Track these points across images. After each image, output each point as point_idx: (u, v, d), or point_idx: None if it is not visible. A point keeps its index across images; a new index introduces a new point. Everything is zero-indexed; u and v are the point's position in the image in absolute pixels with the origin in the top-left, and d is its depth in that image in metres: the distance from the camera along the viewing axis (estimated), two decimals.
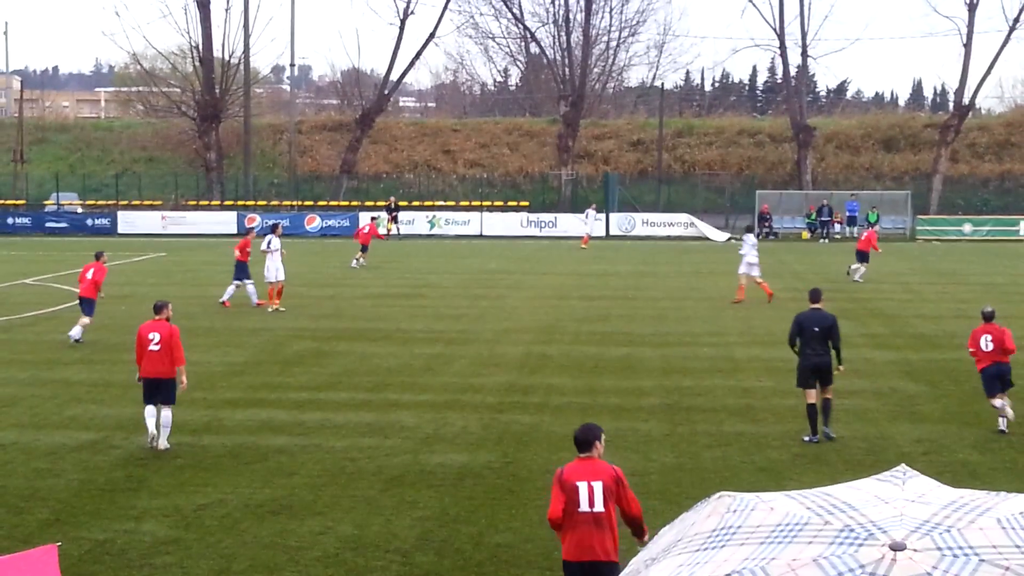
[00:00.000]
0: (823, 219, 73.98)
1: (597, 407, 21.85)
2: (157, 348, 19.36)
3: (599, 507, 10.83)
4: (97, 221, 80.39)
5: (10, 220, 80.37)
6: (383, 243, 68.57)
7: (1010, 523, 5.36)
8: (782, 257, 58.16)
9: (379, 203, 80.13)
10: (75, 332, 29.93)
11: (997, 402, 19.75)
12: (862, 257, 44.69)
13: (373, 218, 58.61)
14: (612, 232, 75.67)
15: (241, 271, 36.86)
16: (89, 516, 15.21)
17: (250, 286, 36.76)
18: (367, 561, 13.46)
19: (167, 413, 18.95)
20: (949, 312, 35.72)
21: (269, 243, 36.20)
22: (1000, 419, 19.80)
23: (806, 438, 19.26)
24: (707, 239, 74.08)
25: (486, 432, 19.95)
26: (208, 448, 18.81)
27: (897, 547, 5.17)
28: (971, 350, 20.23)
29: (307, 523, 14.87)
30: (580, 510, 10.82)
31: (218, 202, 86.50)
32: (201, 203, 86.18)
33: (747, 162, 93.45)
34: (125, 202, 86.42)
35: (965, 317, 34.13)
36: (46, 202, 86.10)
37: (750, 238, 37.14)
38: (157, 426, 18.84)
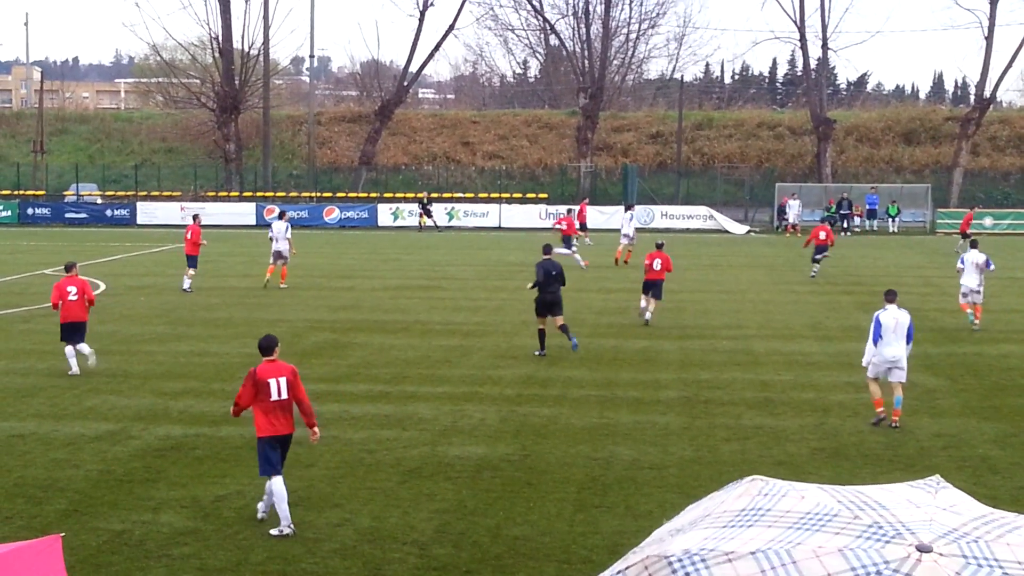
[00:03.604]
0: (843, 212, 73.75)
1: (615, 400, 21.81)
2: (75, 298, 24.47)
3: (284, 395, 14.34)
4: (116, 212, 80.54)
5: (30, 211, 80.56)
6: (407, 236, 68.73)
7: None
8: (801, 250, 57.95)
9: (402, 195, 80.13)
10: (185, 284, 38.63)
11: None
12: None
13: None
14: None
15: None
16: (107, 507, 15.22)
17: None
18: (384, 553, 13.44)
19: (83, 345, 24.49)
20: None
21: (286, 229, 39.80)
22: None
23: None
24: (726, 232, 73.96)
25: (504, 424, 19.92)
26: (226, 439, 18.82)
27: (924, 548, 5.17)
28: None
29: (325, 515, 14.86)
30: (272, 399, 14.26)
31: (237, 193, 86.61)
32: (220, 194, 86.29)
33: (767, 155, 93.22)
34: (144, 193, 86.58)
35: (985, 311, 34.01)
36: (66, 193, 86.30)
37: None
38: (80, 360, 24.30)
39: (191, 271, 38.85)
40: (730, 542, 5.48)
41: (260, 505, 14.74)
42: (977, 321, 30.81)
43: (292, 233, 40.78)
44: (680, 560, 5.46)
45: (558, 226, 55.88)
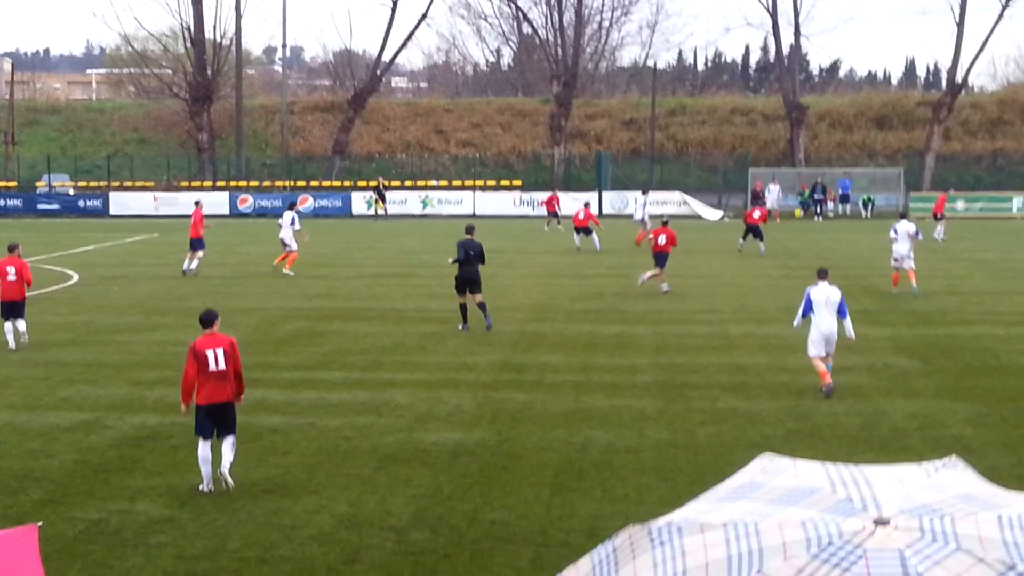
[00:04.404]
0: (816, 197, 73.96)
1: (591, 384, 21.85)
2: (14, 279, 25.86)
3: (222, 366, 15.16)
4: (89, 202, 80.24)
5: (1, 202, 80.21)
6: (371, 223, 68.76)
7: (1011, 522, 5.37)
8: (775, 235, 58.16)
9: (371, 183, 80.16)
10: (192, 265, 40.46)
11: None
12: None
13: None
14: (605, 211, 75.64)
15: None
16: (83, 496, 15.18)
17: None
18: (362, 539, 13.44)
19: (21, 321, 26.00)
20: (942, 288, 35.75)
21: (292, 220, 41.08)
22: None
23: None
24: (700, 218, 74.09)
25: (480, 410, 19.94)
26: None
27: (881, 521, 5.25)
28: None
29: (302, 501, 14.85)
30: (210, 369, 15.11)
31: (211, 183, 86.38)
32: (194, 184, 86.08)
33: (740, 141, 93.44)
34: (117, 183, 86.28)
35: (958, 293, 34.28)
36: (38, 184, 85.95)
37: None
38: (16, 337, 25.89)
39: (199, 253, 40.85)
40: (710, 515, 5.61)
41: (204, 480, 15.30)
42: (914, 283, 33.66)
43: (299, 223, 41.55)
44: (659, 530, 5.58)
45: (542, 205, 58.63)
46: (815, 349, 21.04)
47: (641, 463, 16.51)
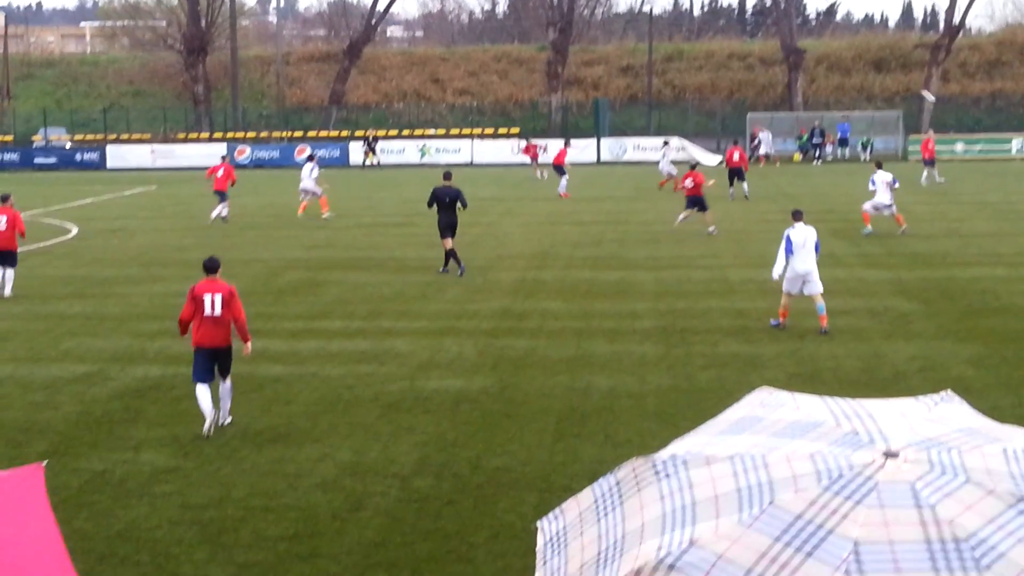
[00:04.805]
0: (815, 141, 73.75)
1: (592, 331, 21.87)
2: (4, 228, 26.53)
3: (219, 311, 15.54)
4: (86, 156, 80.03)
5: None
6: (369, 173, 68.65)
7: (1016, 455, 5.40)
8: (775, 180, 58.10)
9: (364, 133, 79.99)
10: (223, 212, 41.22)
11: None
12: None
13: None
14: (603, 158, 75.49)
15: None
16: (87, 447, 15.23)
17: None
18: (366, 486, 13.48)
19: (11, 271, 26.83)
20: (942, 231, 35.72)
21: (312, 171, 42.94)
22: None
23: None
24: (699, 163, 73.83)
25: (481, 358, 19.96)
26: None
27: (890, 454, 5.26)
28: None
29: (305, 450, 14.90)
30: (205, 314, 15.51)
31: (207, 135, 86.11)
32: (190, 136, 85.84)
33: (737, 86, 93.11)
34: (114, 136, 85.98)
35: (958, 235, 34.26)
36: (34, 138, 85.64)
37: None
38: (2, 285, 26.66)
39: (225, 204, 41.62)
40: (715, 448, 5.63)
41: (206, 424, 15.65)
42: (903, 225, 34.53)
43: (318, 172, 43.61)
44: (664, 463, 5.59)
45: (525, 153, 58.75)
46: (788, 287, 21.50)
47: (643, 408, 16.56)
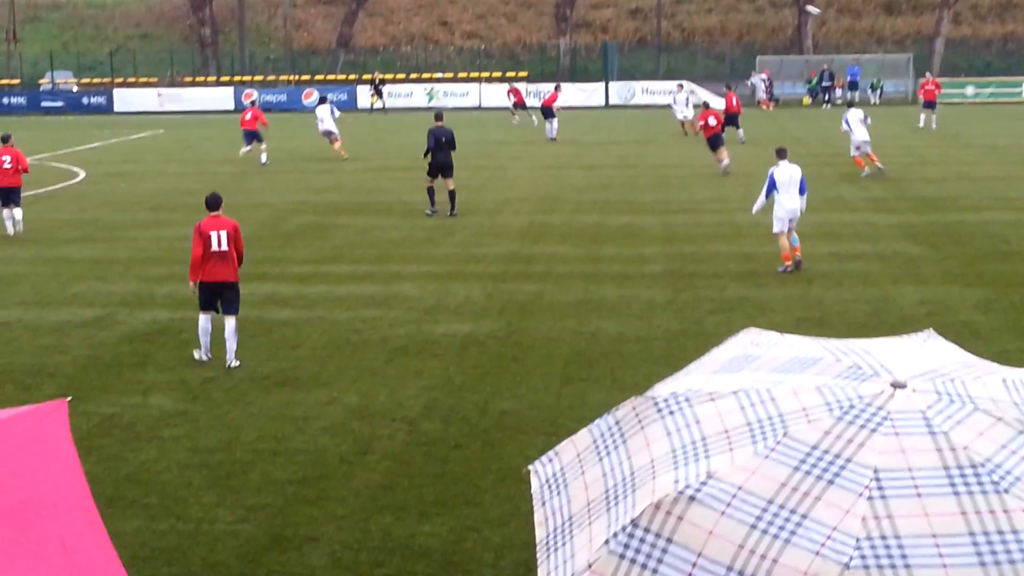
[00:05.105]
0: (824, 85, 73.35)
1: (600, 275, 21.86)
2: (9, 167, 27.21)
3: (225, 247, 16.03)
4: (93, 99, 79.90)
5: (5, 100, 79.90)
6: (376, 116, 68.40)
7: (1016, 384, 5.50)
8: (784, 123, 57.87)
9: (369, 76, 79.61)
10: (261, 158, 41.61)
11: None
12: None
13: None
14: (612, 102, 75.16)
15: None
16: (96, 391, 15.27)
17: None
18: (374, 430, 13.53)
19: (18, 209, 27.61)
20: (951, 175, 35.61)
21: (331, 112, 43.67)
22: None
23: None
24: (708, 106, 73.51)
25: (489, 302, 19.97)
26: (212, 322, 18.81)
27: (898, 385, 5.34)
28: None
29: (313, 394, 14.94)
30: (212, 250, 15.99)
31: (214, 78, 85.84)
32: (197, 79, 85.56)
33: (747, 28, 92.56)
34: (121, 80, 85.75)
35: (968, 179, 34.16)
36: (41, 81, 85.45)
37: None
38: (13, 224, 27.40)
39: (254, 146, 42.20)
40: (715, 384, 5.66)
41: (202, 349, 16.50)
42: (880, 165, 35.05)
43: (338, 112, 45.36)
44: (666, 400, 5.63)
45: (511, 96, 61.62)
46: (780, 226, 21.61)
47: (650, 352, 16.56)
